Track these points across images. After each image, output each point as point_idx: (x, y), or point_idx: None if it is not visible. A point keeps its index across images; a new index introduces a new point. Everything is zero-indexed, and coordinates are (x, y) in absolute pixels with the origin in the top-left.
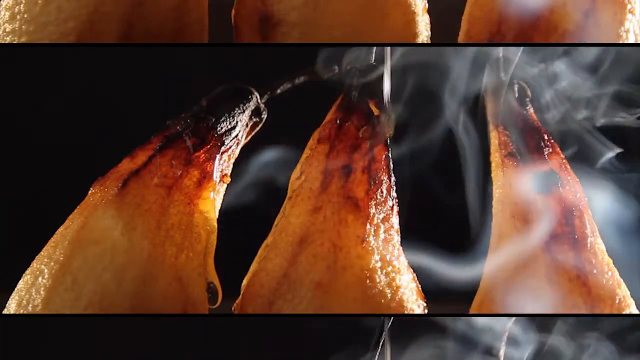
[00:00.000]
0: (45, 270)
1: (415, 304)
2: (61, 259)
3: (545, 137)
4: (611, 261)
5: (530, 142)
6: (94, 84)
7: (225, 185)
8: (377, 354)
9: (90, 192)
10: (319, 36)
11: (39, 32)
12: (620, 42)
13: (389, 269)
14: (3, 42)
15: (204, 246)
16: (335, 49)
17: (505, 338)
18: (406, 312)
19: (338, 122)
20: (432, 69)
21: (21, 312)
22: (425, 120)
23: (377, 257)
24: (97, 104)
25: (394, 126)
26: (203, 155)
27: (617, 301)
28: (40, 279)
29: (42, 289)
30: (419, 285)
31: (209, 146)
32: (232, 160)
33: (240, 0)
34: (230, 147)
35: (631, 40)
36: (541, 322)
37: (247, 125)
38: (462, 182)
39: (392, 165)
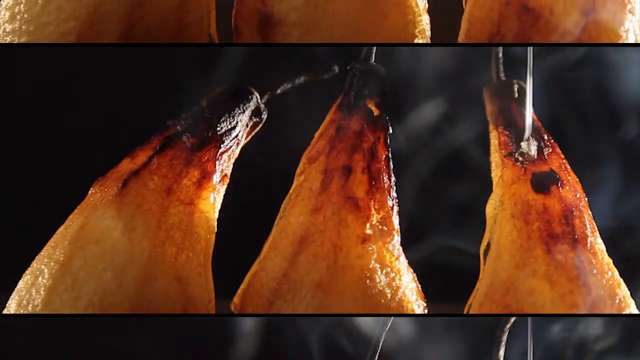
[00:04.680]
0: (45, 270)
1: (415, 304)
2: (61, 259)
3: (545, 137)
4: (611, 261)
5: None
6: (94, 84)
7: (225, 186)
8: (377, 353)
9: (90, 192)
10: (319, 36)
11: (39, 32)
12: (620, 42)
13: (389, 269)
14: (3, 42)
15: (204, 246)
16: (335, 49)
17: (505, 338)
18: (406, 312)
19: (338, 122)
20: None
21: (21, 312)
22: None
23: (377, 257)
24: (97, 104)
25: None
26: (203, 155)
27: (617, 301)
28: (40, 279)
29: (42, 289)
30: (419, 285)
31: (209, 146)
32: (232, 160)
33: (241, 0)
34: (230, 147)
35: (631, 40)
36: None
37: (247, 125)
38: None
39: (392, 165)
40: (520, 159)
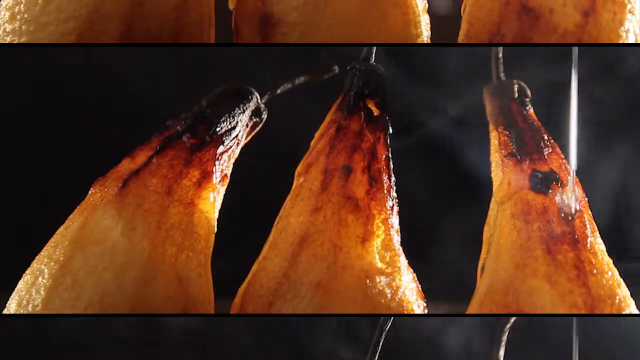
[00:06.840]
0: (45, 270)
1: (415, 304)
2: (61, 259)
3: (545, 137)
4: (611, 261)
5: (530, 142)
6: (94, 84)
7: (225, 186)
8: (377, 353)
9: (90, 192)
10: (319, 36)
11: (39, 32)
12: (620, 42)
13: (389, 269)
14: (3, 42)
15: (204, 246)
16: (335, 49)
17: (505, 338)
18: (406, 312)
19: (338, 122)
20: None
21: (21, 312)
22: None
23: (377, 257)
24: (98, 104)
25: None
26: (203, 155)
27: (617, 301)
28: (40, 279)
29: (42, 289)
30: (419, 285)
31: (209, 146)
32: (232, 161)
33: (241, 0)
34: (230, 147)
35: (631, 40)
36: None
37: (247, 125)
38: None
39: (392, 165)
40: (566, 211)
